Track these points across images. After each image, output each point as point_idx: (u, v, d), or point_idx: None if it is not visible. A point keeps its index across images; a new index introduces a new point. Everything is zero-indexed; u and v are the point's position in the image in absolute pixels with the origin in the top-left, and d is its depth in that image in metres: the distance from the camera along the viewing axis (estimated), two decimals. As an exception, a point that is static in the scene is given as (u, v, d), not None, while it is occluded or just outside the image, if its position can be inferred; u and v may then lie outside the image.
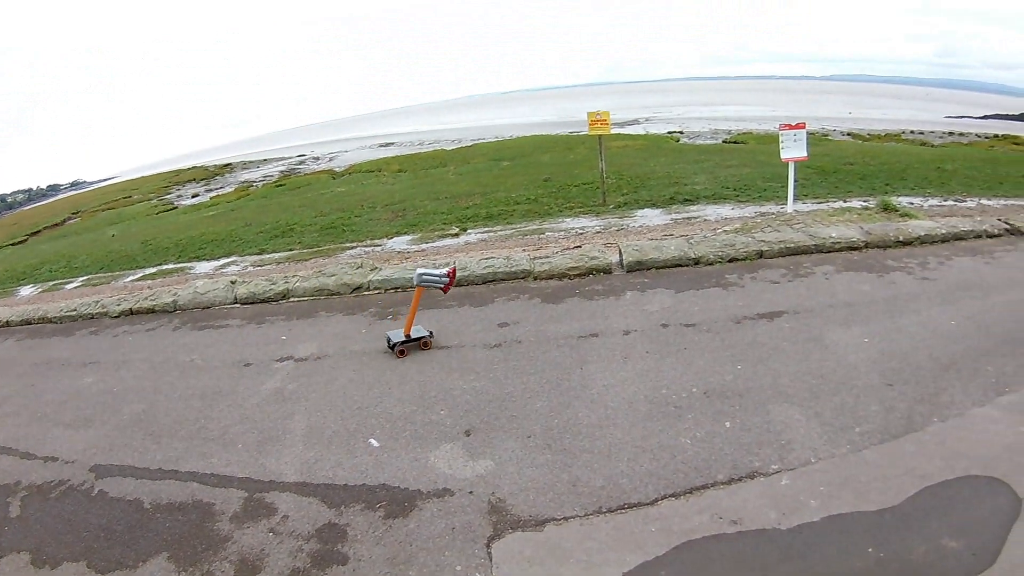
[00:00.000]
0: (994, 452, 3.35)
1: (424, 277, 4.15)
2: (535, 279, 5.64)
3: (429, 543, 2.68)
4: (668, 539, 2.67)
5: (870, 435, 3.41)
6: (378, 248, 8.01)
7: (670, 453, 3.27)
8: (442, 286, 4.25)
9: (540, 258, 5.95)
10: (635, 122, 33.69)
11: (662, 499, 2.94)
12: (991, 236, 7.71)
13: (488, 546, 2.67)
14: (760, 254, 6.68)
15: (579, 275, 5.73)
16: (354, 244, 8.41)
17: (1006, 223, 7.95)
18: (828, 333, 4.62)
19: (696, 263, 6.06)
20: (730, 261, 6.18)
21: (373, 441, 3.39)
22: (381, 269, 5.71)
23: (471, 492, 2.98)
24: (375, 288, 5.43)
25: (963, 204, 10.30)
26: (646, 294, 5.38)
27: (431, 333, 4.45)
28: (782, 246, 6.82)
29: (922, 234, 7.40)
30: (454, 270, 4.28)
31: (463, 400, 3.73)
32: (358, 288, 5.43)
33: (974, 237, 7.60)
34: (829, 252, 6.90)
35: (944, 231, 7.49)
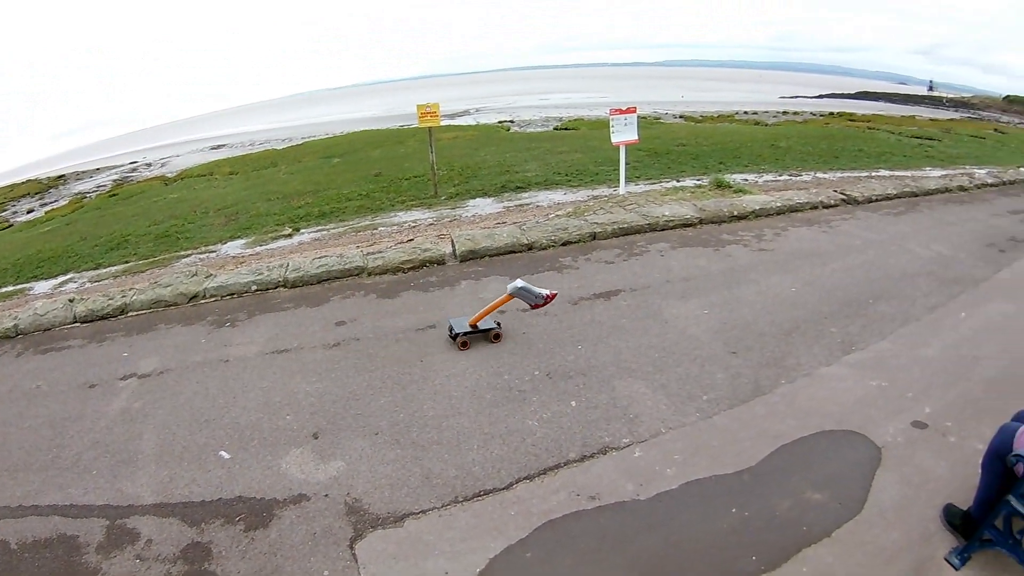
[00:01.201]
0: (846, 407, 4.90)
1: (521, 291, 5.60)
2: (369, 275, 7.53)
3: (293, 551, 3.57)
4: (529, 521, 3.72)
5: (718, 402, 4.94)
6: (213, 254, 10.65)
7: (519, 437, 4.52)
8: (533, 303, 5.72)
9: (373, 254, 8.00)
10: (466, 113, 46.86)
11: (517, 483, 4.06)
12: (827, 206, 11.47)
13: (352, 547, 3.58)
14: (594, 236, 8.97)
15: (413, 268, 7.69)
16: (189, 252, 11.15)
17: (842, 193, 11.79)
18: (667, 308, 6.65)
19: (530, 249, 8.36)
20: (564, 245, 8.58)
21: (224, 453, 4.42)
22: (216, 276, 7.53)
23: (327, 495, 3.99)
24: (211, 296, 7.10)
25: (798, 178, 15.00)
26: (481, 282, 7.34)
27: (499, 324, 6.01)
28: (615, 227, 9.18)
29: (757, 208, 10.64)
30: (554, 295, 5.80)
31: (307, 403, 4.98)
32: (194, 297, 7.11)
33: (810, 208, 11.15)
34: (663, 230, 9.50)
35: (779, 204, 10.86)
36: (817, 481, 4.15)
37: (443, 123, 20.44)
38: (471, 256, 8.00)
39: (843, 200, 11.77)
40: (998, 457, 3.41)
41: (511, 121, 35.50)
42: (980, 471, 3.60)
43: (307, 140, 34.85)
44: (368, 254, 8.02)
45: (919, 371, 5.62)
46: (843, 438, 4.63)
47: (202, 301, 7.08)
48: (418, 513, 3.79)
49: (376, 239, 9.79)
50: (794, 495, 4.03)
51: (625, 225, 9.17)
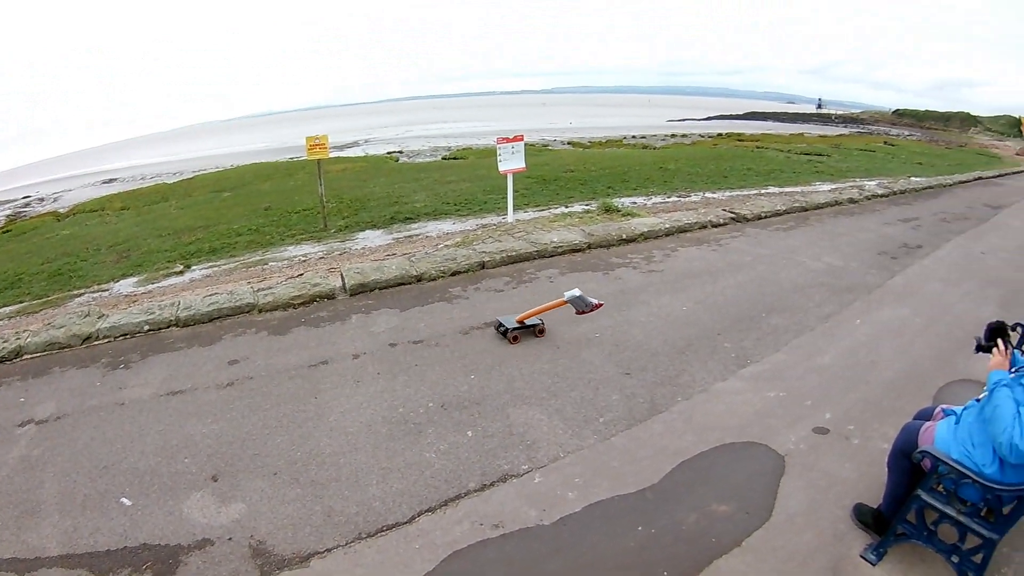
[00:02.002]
0: (745, 419, 5.37)
1: (576, 300, 6.53)
2: (260, 311, 7.88)
3: None
4: (434, 553, 3.92)
5: (615, 423, 5.32)
6: (106, 293, 10.93)
7: (417, 470, 4.75)
8: (580, 310, 6.66)
9: (264, 290, 8.40)
10: (355, 144, 50.27)
11: (419, 516, 4.27)
12: (716, 225, 12.41)
13: None
14: (482, 265, 9.42)
15: (303, 303, 8.09)
16: (82, 291, 11.41)
17: (731, 212, 12.59)
18: (559, 332, 7.13)
19: (419, 280, 8.88)
20: (453, 275, 9.11)
21: (125, 500, 4.52)
22: (108, 316, 7.73)
23: (230, 538, 4.11)
24: (104, 337, 7.29)
25: (687, 199, 16.19)
26: (371, 316, 7.73)
27: (542, 321, 7.02)
28: (504, 255, 9.64)
29: (645, 230, 11.31)
30: (601, 304, 6.76)
31: (204, 445, 5.14)
32: (88, 338, 7.29)
33: (699, 228, 12.00)
34: (552, 256, 9.99)
35: (668, 225, 11.60)
36: (722, 493, 4.44)
37: (332, 155, 22.14)
38: (361, 289, 8.42)
39: (732, 218, 12.67)
40: (904, 455, 3.75)
41: (400, 152, 37.52)
42: (887, 471, 3.95)
43: (198, 173, 36.06)
44: (259, 290, 8.39)
45: (816, 379, 6.10)
46: (744, 450, 4.97)
47: (96, 342, 7.27)
48: (323, 552, 3.95)
49: (266, 274, 10.31)
50: (699, 508, 4.29)
51: (513, 253, 9.74)
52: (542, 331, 7.06)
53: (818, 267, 9.74)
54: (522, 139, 12.06)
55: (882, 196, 16.59)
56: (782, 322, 7.44)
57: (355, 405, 5.66)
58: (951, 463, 3.38)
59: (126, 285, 11.37)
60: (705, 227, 11.94)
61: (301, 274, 9.66)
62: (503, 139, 11.78)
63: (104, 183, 40.31)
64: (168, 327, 7.46)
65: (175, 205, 22.96)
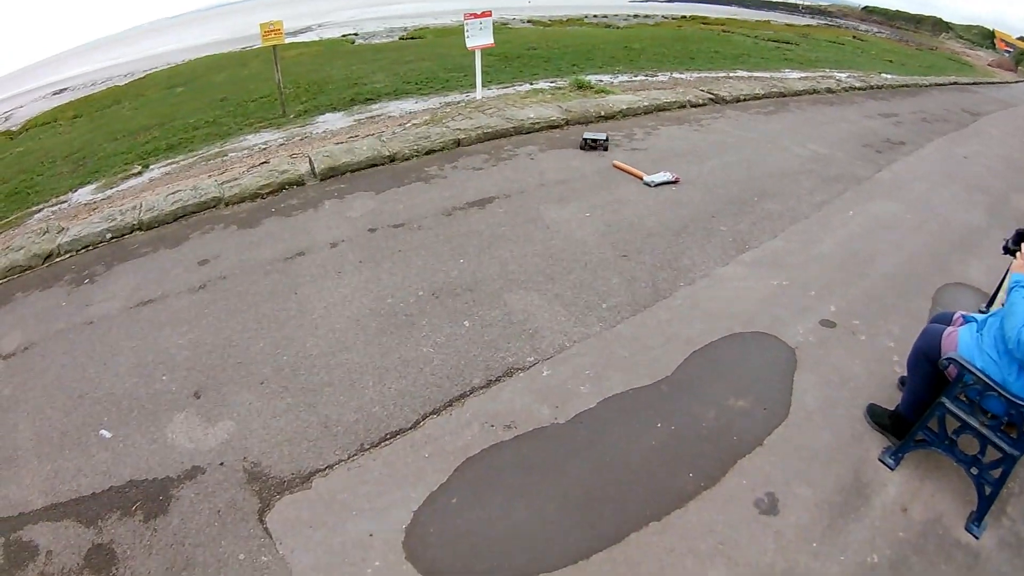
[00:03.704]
0: (752, 308, 5.22)
1: (656, 183, 7.46)
2: (227, 205, 7.44)
3: (201, 536, 3.38)
4: (446, 463, 3.69)
5: (619, 309, 5.11)
6: (65, 204, 10.58)
7: (416, 367, 4.47)
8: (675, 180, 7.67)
9: (229, 182, 7.94)
10: (308, 29, 47.25)
11: (424, 419, 4.00)
12: (695, 106, 12.02)
13: (262, 521, 3.42)
14: (457, 143, 8.95)
15: (272, 192, 7.68)
16: (41, 206, 11.11)
17: (710, 93, 12.36)
18: (546, 212, 6.80)
19: (392, 160, 8.47)
20: (427, 154, 8.71)
21: (104, 432, 4.17)
22: (68, 229, 7.34)
23: (222, 463, 3.80)
24: (66, 252, 6.87)
25: (655, 79, 15.80)
26: (345, 200, 7.31)
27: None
28: (479, 132, 9.17)
29: (624, 107, 10.85)
30: (678, 178, 7.70)
31: (182, 358, 4.76)
32: (49, 256, 6.88)
33: (678, 107, 11.57)
34: (529, 133, 9.52)
35: (647, 103, 11.14)
36: (738, 387, 4.28)
37: (286, 41, 20.94)
38: (331, 174, 8.01)
39: (711, 99, 12.26)
40: (926, 358, 3.63)
41: (355, 34, 36.25)
42: (907, 372, 3.84)
43: (150, 72, 34.43)
44: (223, 183, 7.90)
45: (817, 269, 5.93)
46: (755, 340, 4.81)
47: (57, 259, 6.82)
48: (324, 469, 3.68)
49: (228, 166, 9.89)
50: (718, 403, 4.13)
51: (489, 130, 9.25)
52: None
53: (804, 154, 9.51)
54: (490, 15, 11.52)
55: (860, 89, 16.55)
56: (776, 208, 7.22)
57: (340, 298, 5.31)
58: (977, 372, 3.26)
59: (84, 194, 11.00)
60: (684, 107, 11.55)
61: (266, 161, 9.20)
62: (471, 14, 11.25)
63: (55, 94, 38.75)
64: (132, 232, 7.01)
65: (128, 106, 22.27)
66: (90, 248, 6.88)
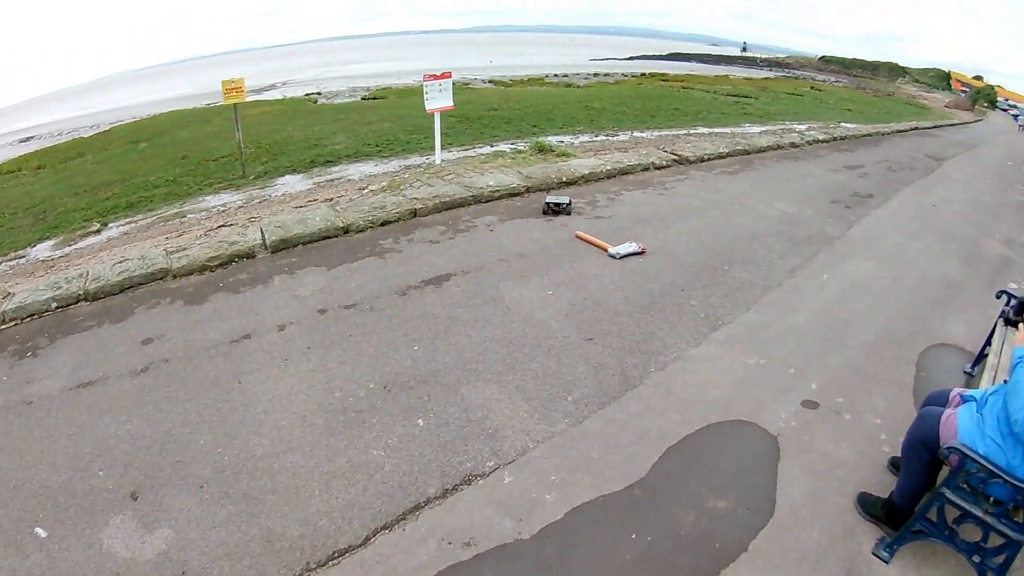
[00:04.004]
0: (729, 392, 4.91)
1: (622, 254, 7.23)
2: (175, 277, 7.18)
3: None
4: None
5: (586, 402, 4.73)
6: (23, 259, 10.56)
7: (365, 473, 4.09)
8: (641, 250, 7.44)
9: (177, 252, 7.71)
10: (273, 87, 51.07)
11: (375, 535, 3.63)
12: (659, 167, 11.94)
13: None
14: (414, 213, 8.69)
15: (221, 265, 7.40)
16: None
17: (673, 153, 12.22)
18: (506, 291, 6.44)
19: (346, 232, 8.22)
20: (382, 225, 8.44)
21: (39, 531, 3.91)
22: (13, 295, 7.20)
23: None
24: (11, 319, 6.70)
25: (615, 138, 16.04)
26: (296, 276, 7.01)
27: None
28: (437, 201, 8.91)
29: (586, 172, 10.67)
30: (644, 248, 7.47)
31: (120, 452, 4.47)
32: None
33: (642, 170, 11.44)
34: (488, 201, 9.28)
35: (610, 167, 10.99)
36: (718, 485, 3.94)
37: (250, 99, 22.60)
38: (283, 245, 7.77)
39: (675, 160, 12.18)
40: (923, 447, 3.40)
41: (318, 93, 37.72)
42: (902, 460, 3.61)
43: (115, 125, 35.29)
44: (172, 253, 7.69)
45: (794, 342, 5.67)
46: (734, 430, 4.49)
47: (2, 327, 6.65)
48: None
49: (185, 227, 9.81)
50: (696, 505, 3.79)
51: (447, 199, 9.00)
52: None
53: (773, 214, 9.38)
54: (450, 76, 11.50)
55: (823, 142, 16.90)
56: (747, 276, 6.98)
57: (285, 390, 4.93)
58: (980, 460, 3.07)
59: (43, 249, 10.89)
60: (648, 169, 11.44)
61: (221, 225, 8.99)
62: (430, 76, 11.15)
63: (21, 142, 39.28)
64: (77, 302, 6.76)
65: (91, 160, 22.52)
66: (35, 317, 6.67)
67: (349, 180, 12.17)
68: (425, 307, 6.07)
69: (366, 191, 10.16)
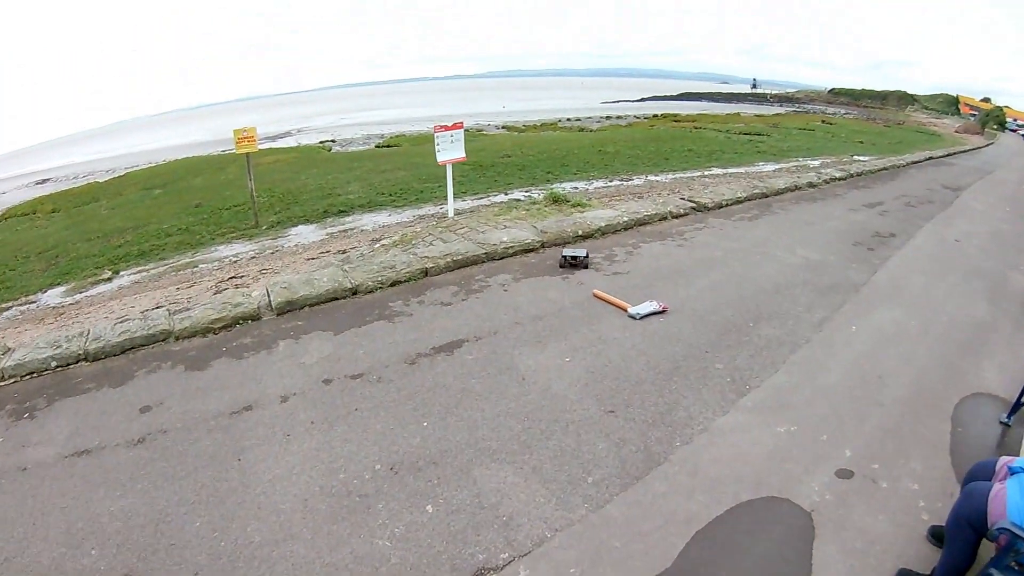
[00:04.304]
0: (759, 466, 4.63)
1: (642, 314, 6.96)
2: (177, 339, 7.01)
3: None
4: None
5: (607, 483, 4.43)
6: (34, 304, 10.74)
7: (370, 566, 3.82)
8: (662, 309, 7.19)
9: (180, 312, 7.57)
10: (287, 134, 51.60)
11: None
12: (677, 216, 11.66)
13: None
14: (425, 272, 8.48)
15: (225, 327, 7.20)
16: (10, 304, 11.28)
17: (691, 201, 12.08)
18: (521, 359, 6.16)
19: (354, 293, 7.98)
20: (392, 285, 8.20)
21: None
22: (13, 351, 7.10)
23: None
24: (10, 377, 6.56)
25: (630, 183, 16.05)
26: (301, 342, 6.75)
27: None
28: (449, 260, 8.70)
29: (603, 224, 10.46)
30: (665, 307, 7.23)
31: (113, 530, 4.29)
32: None
33: (659, 219, 11.25)
34: (502, 259, 9.08)
35: (627, 218, 10.78)
36: (751, 571, 3.68)
37: (264, 146, 23.62)
38: (289, 308, 7.56)
39: (692, 208, 12.00)
40: (969, 526, 3.21)
41: (332, 141, 38.55)
42: (946, 535, 3.41)
43: (130, 170, 36.37)
44: (175, 313, 7.56)
45: (826, 405, 5.40)
46: (765, 508, 4.20)
47: (1, 383, 6.52)
48: None
49: (196, 278, 9.94)
50: None
51: (460, 257, 8.81)
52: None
53: (795, 262, 9.14)
54: (462, 126, 11.40)
55: (840, 179, 16.80)
56: (774, 333, 6.73)
57: (286, 470, 4.70)
58: None
59: (54, 295, 11.12)
60: (665, 218, 11.26)
61: (232, 277, 9.16)
62: (441, 127, 11.02)
63: (38, 184, 40.38)
64: (77, 362, 6.63)
65: (106, 205, 22.96)
66: (34, 375, 6.53)
67: (362, 231, 12.31)
68: (436, 377, 5.81)
69: (377, 246, 10.06)
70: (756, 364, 6.06)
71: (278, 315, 7.42)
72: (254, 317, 7.35)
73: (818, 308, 7.43)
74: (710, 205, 12.17)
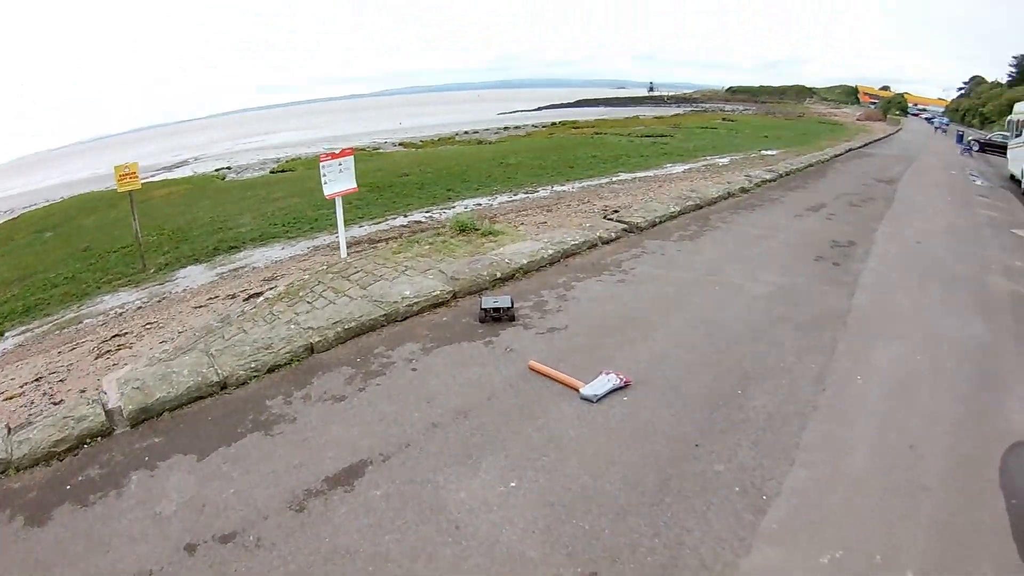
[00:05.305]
0: None
1: (600, 395, 5.33)
2: (16, 471, 5.29)
3: None
4: None
5: None
6: None
7: None
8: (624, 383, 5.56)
9: (18, 430, 5.87)
10: (185, 163, 50.95)
11: None
12: (607, 241, 10.08)
13: None
14: (310, 349, 6.68)
15: (70, 450, 5.46)
16: None
17: (620, 221, 10.78)
18: (449, 489, 4.32)
19: (223, 388, 6.16)
20: (269, 372, 6.35)
21: None
22: None
23: None
24: None
25: (535, 195, 15.56)
26: (157, 475, 4.84)
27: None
28: (340, 329, 6.91)
29: (524, 262, 8.81)
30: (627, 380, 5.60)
31: None
32: None
33: (588, 248, 9.69)
34: (407, 319, 7.32)
35: (552, 251, 9.18)
36: None
37: (159, 178, 24.57)
38: (144, 416, 5.68)
39: (624, 230, 10.61)
40: None
41: (228, 168, 38.61)
42: None
43: (27, 210, 36.11)
44: (13, 431, 5.76)
45: (866, 506, 4.09)
46: None
47: None
48: None
49: (79, 338, 9.40)
50: None
51: (353, 323, 6.91)
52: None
53: (762, 291, 7.89)
54: (351, 153, 9.98)
55: (771, 181, 16.97)
56: (771, 402, 5.27)
57: None
58: None
59: None
60: (595, 246, 9.76)
61: (116, 335, 8.67)
62: (327, 155, 9.69)
63: None
64: None
65: None
66: None
67: (254, 268, 11.95)
68: (334, 536, 3.88)
69: (260, 301, 8.69)
70: (765, 458, 4.54)
71: (132, 426, 5.53)
72: (104, 432, 5.51)
73: (809, 355, 6.11)
74: (643, 225, 10.85)
